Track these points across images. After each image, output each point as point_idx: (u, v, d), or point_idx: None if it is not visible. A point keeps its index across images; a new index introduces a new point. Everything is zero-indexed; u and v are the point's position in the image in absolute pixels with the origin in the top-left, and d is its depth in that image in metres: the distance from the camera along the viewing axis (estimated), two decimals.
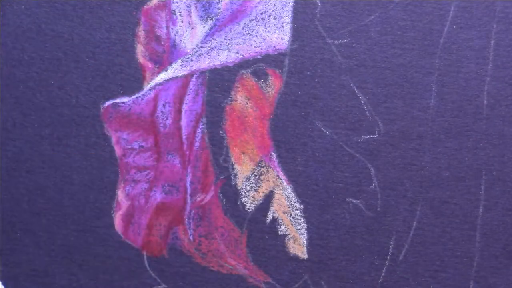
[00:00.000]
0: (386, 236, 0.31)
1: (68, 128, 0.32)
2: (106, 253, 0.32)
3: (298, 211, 0.32)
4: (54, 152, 0.32)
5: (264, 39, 0.31)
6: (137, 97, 0.32)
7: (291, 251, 0.32)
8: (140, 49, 0.32)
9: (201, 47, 0.32)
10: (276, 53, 0.31)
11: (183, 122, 0.32)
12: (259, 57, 0.31)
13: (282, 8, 0.31)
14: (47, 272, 0.32)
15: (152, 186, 0.32)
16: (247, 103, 0.31)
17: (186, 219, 0.32)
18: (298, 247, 0.32)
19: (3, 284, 0.32)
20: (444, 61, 0.31)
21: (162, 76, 0.32)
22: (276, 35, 0.31)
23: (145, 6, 0.32)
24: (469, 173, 0.31)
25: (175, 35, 0.32)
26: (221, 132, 0.32)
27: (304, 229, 0.32)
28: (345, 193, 0.31)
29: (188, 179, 0.32)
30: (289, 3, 0.31)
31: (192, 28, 0.32)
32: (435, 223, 0.31)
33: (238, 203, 0.32)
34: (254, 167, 0.32)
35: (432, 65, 0.31)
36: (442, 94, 0.31)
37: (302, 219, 0.32)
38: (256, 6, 0.31)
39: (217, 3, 0.31)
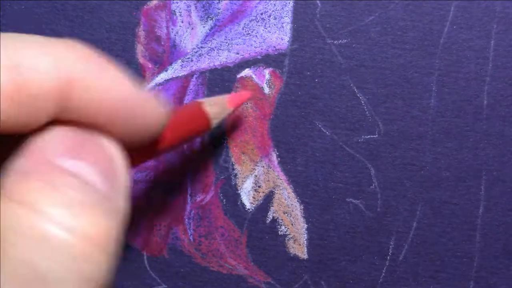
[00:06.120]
0: (386, 236, 0.31)
1: None
2: None
3: (298, 211, 0.32)
4: None
5: (264, 39, 0.31)
6: None
7: (291, 251, 0.32)
8: (140, 49, 0.32)
9: (201, 47, 0.32)
10: (276, 53, 0.31)
11: None
12: (259, 57, 0.31)
13: (282, 8, 0.31)
14: None
15: (152, 186, 0.32)
16: (247, 103, 0.31)
17: (186, 219, 0.32)
18: (298, 247, 0.32)
19: None
20: (444, 61, 0.31)
21: (162, 76, 0.32)
22: (276, 35, 0.31)
23: (145, 6, 0.32)
24: (469, 173, 0.31)
25: (175, 35, 0.32)
26: (221, 132, 0.32)
27: (304, 229, 0.32)
28: (345, 193, 0.31)
29: (188, 179, 0.32)
30: (289, 3, 0.31)
31: (192, 28, 0.32)
32: (435, 223, 0.31)
33: (238, 203, 0.32)
34: (254, 167, 0.32)
35: (432, 65, 0.31)
36: (442, 94, 0.31)
37: (302, 219, 0.32)
38: (256, 6, 0.31)
39: (217, 3, 0.31)
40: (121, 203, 0.19)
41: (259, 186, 0.32)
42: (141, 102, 0.19)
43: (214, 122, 0.28)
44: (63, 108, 0.18)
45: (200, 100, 0.29)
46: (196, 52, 0.32)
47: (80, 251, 0.16)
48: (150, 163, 0.32)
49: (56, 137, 0.18)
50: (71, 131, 0.18)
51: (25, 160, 0.17)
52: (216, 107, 0.28)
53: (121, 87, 0.19)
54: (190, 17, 0.32)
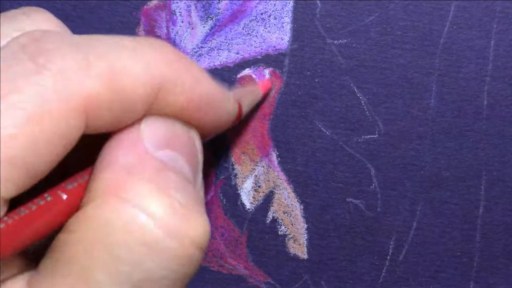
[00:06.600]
0: (386, 236, 0.31)
1: None
2: None
3: (298, 211, 0.32)
4: None
5: (264, 39, 0.31)
6: None
7: (291, 251, 0.32)
8: None
9: (201, 47, 0.32)
10: (276, 53, 0.31)
11: None
12: (259, 57, 0.31)
13: (282, 8, 0.31)
14: None
15: None
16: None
17: None
18: (298, 247, 0.32)
19: None
20: (444, 61, 0.31)
21: None
22: (276, 35, 0.31)
23: (145, 6, 0.32)
24: (469, 173, 0.31)
25: (175, 35, 0.32)
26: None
27: (304, 229, 0.32)
28: (345, 193, 0.31)
29: None
30: (289, 3, 0.31)
31: (192, 28, 0.32)
32: (435, 223, 0.31)
33: (238, 203, 0.32)
34: (254, 167, 0.32)
35: (432, 65, 0.31)
36: (442, 94, 0.31)
37: (302, 219, 0.32)
38: (256, 6, 0.31)
39: (217, 3, 0.31)
40: (202, 193, 0.20)
41: (259, 186, 0.32)
42: (220, 96, 0.20)
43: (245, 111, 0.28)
44: (150, 107, 0.18)
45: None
46: (196, 52, 0.32)
47: (183, 253, 0.17)
48: None
49: (151, 128, 0.18)
50: (163, 121, 0.19)
51: (126, 154, 0.18)
52: (248, 97, 0.28)
53: (204, 85, 0.19)
54: (190, 17, 0.32)
